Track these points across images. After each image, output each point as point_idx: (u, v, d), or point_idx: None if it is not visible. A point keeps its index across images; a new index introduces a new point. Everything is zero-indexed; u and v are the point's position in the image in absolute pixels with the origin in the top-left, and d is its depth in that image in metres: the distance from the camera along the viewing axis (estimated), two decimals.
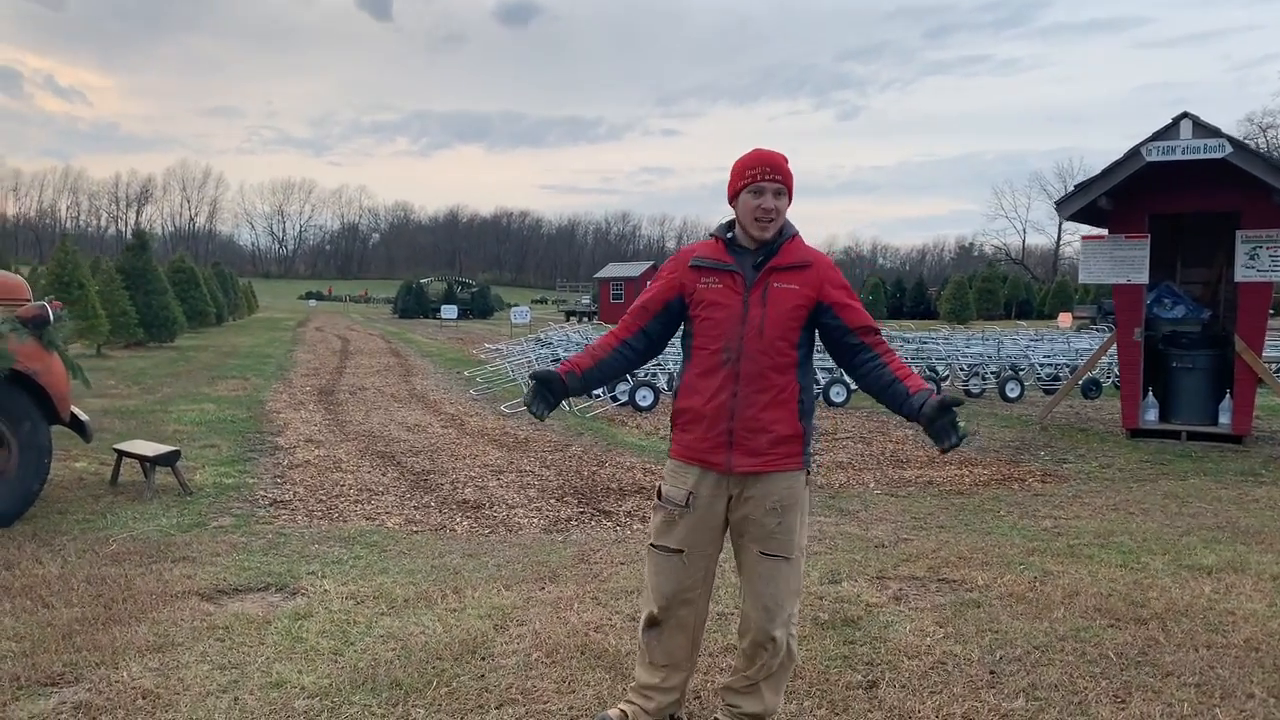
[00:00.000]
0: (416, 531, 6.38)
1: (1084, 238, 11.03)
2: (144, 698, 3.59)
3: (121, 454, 7.63)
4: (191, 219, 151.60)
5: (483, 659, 4.04)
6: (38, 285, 18.76)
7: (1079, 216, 10.42)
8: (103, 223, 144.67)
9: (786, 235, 3.17)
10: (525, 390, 3.36)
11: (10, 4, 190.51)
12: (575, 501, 7.28)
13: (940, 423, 2.91)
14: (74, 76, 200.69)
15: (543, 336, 22.75)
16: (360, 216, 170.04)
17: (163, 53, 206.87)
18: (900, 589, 5.08)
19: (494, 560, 5.63)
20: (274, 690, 3.69)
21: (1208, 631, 4.39)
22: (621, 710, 3.30)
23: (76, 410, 6.67)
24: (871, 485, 8.09)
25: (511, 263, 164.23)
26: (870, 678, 3.85)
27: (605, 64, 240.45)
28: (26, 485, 6.17)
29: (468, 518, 6.78)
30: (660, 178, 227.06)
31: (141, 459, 7.42)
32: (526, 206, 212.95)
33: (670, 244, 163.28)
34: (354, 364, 21.25)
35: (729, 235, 3.22)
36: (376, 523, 6.60)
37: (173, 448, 7.59)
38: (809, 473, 3.20)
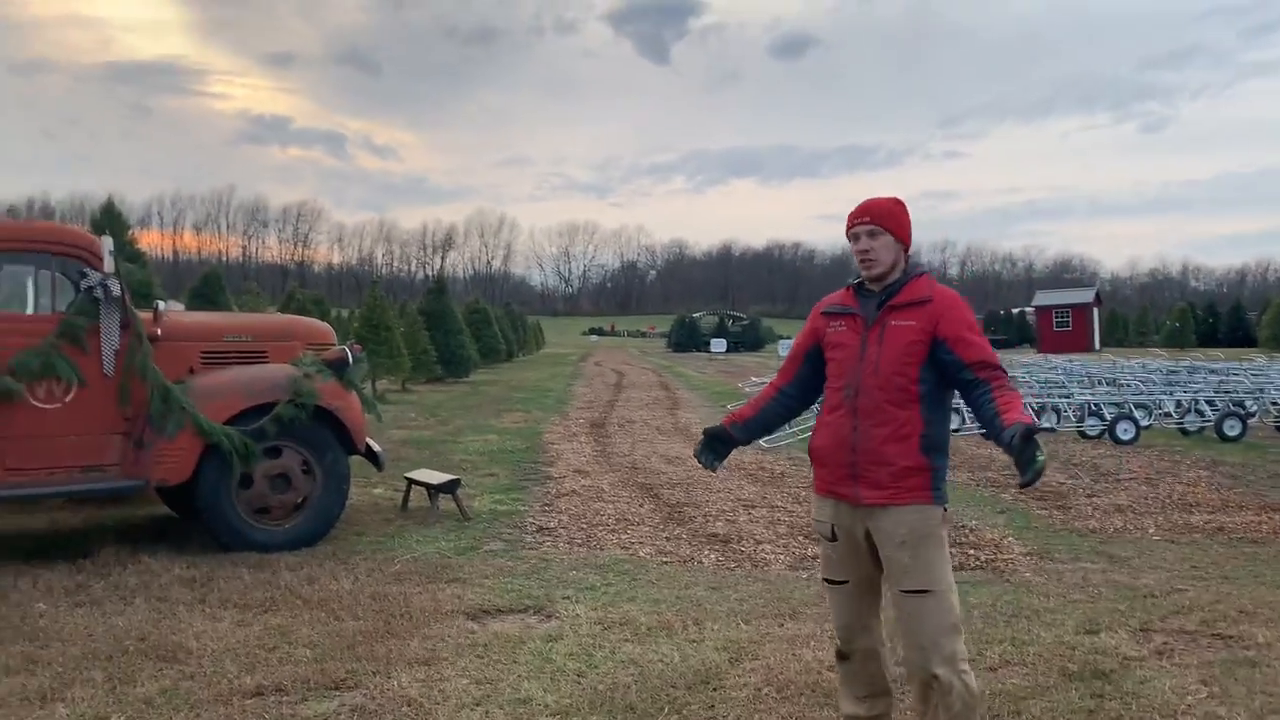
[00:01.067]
0: (666, 562, 6.62)
1: None
2: (408, 705, 4.00)
3: (411, 481, 8.42)
4: (489, 262, 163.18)
5: (714, 690, 4.17)
6: (350, 328, 21.00)
7: None
8: (412, 268, 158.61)
9: (910, 274, 3.21)
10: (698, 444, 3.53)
11: (337, 76, 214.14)
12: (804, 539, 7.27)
13: (1024, 455, 2.82)
14: (388, 135, 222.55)
15: None
16: (638, 255, 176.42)
17: (464, 110, 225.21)
18: (1165, 643, 4.72)
19: (736, 594, 5.74)
20: (520, 706, 3.99)
21: None
22: None
23: (371, 442, 7.45)
24: (1150, 531, 7.49)
25: (783, 294, 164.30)
26: None
27: (882, 90, 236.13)
28: (329, 509, 6.97)
29: (716, 551, 6.94)
30: (942, 202, 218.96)
31: (427, 486, 8.17)
32: (799, 238, 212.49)
33: (953, 270, 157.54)
34: (625, 397, 22.12)
35: (857, 282, 3.31)
36: (630, 552, 6.90)
37: (454, 477, 8.30)
38: (944, 508, 3.13)
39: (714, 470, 3.54)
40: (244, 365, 6.96)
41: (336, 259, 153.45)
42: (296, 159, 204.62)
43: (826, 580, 3.34)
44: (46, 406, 6.15)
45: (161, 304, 7.40)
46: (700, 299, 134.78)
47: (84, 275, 6.25)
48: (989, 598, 5.59)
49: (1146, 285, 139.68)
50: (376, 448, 7.51)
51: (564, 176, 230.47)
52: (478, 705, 4.00)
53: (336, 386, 6.97)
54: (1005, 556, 6.68)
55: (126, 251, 9.87)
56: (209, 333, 7.08)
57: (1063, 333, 51.95)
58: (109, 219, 10.24)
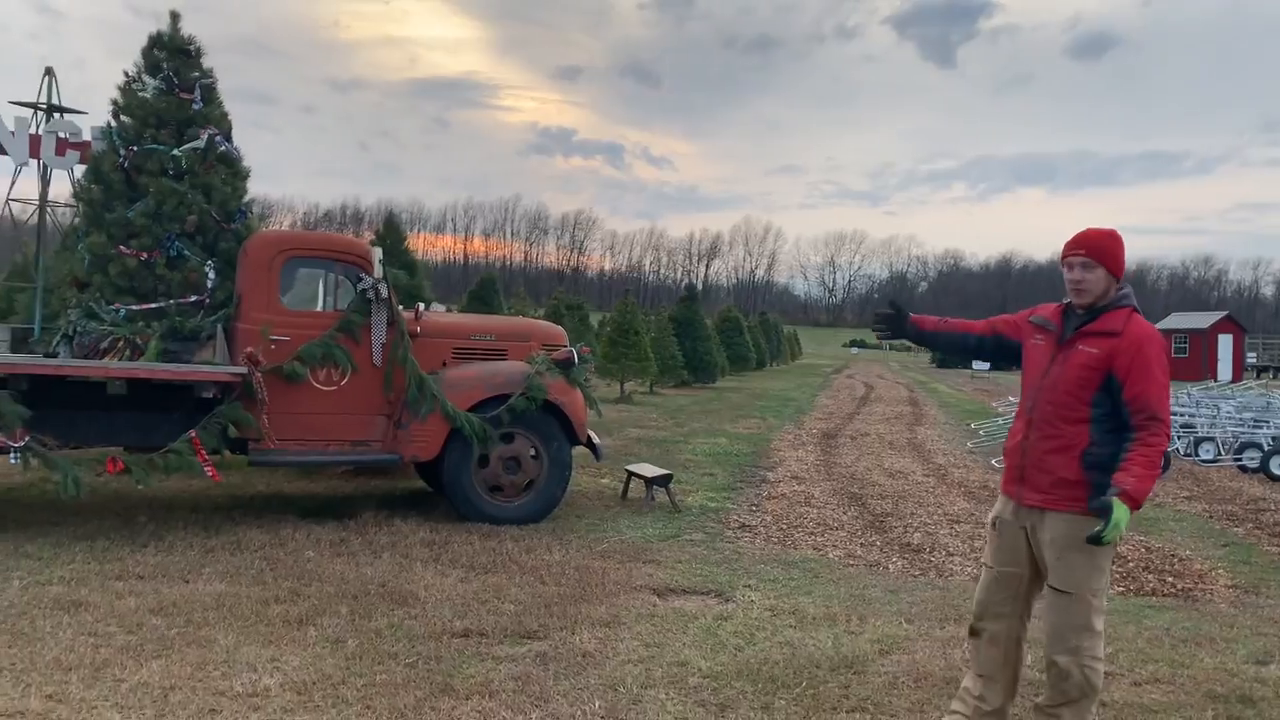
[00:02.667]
0: (851, 564, 6.95)
1: None
2: (583, 656, 4.65)
3: (630, 474, 9.17)
4: (752, 271, 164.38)
5: (855, 674, 4.54)
6: (603, 332, 22.30)
7: None
8: (678, 275, 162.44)
9: (1113, 304, 3.43)
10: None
11: (620, 88, 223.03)
12: None
13: (1101, 517, 3.16)
14: (665, 146, 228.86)
15: None
16: (909, 265, 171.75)
17: (738, 119, 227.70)
18: None
19: (909, 598, 6.01)
20: (677, 667, 4.54)
21: None
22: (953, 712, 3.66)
23: (593, 434, 8.24)
24: None
25: None
26: None
27: (1193, 91, 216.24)
28: (552, 491, 7.81)
29: (904, 559, 7.18)
30: (1258, 215, 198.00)
31: (643, 479, 8.88)
32: None
33: (1266, 289, 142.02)
34: (868, 411, 22.10)
35: (1069, 301, 3.55)
36: (821, 553, 7.28)
37: (667, 471, 8.98)
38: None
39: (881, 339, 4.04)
40: (486, 361, 7.94)
41: (608, 265, 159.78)
42: (578, 168, 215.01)
43: (983, 563, 3.71)
44: (326, 389, 7.35)
45: (425, 306, 8.55)
46: (974, 313, 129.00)
47: (359, 279, 7.42)
48: (1168, 622, 5.56)
49: None
50: (597, 440, 8.29)
51: (836, 184, 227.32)
52: (641, 662, 4.59)
53: (563, 383, 7.80)
54: (1206, 587, 6.51)
55: (402, 259, 11.34)
56: (460, 332, 8.11)
57: None
58: (389, 230, 11.75)
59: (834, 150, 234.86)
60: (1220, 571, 6.96)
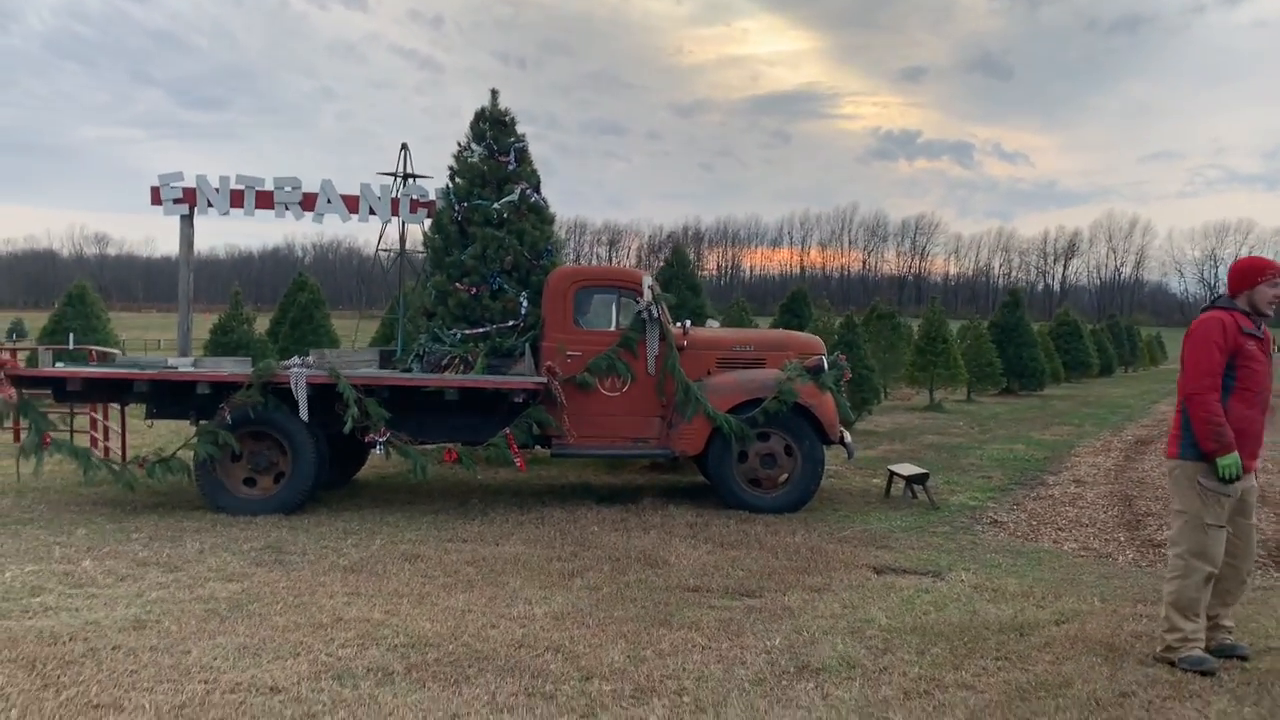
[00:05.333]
0: (1081, 556, 7.29)
1: None
2: (784, 610, 5.62)
3: (891, 473, 9.87)
4: (1117, 269, 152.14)
5: (1020, 635, 5.15)
6: (910, 339, 22.54)
7: None
8: (1030, 276, 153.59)
9: None
10: None
11: (967, 84, 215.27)
12: (1262, 552, 7.25)
13: None
14: (1018, 141, 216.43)
15: None
16: None
17: (1104, 106, 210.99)
18: None
19: (1119, 584, 6.37)
20: (862, 622, 5.39)
21: None
22: None
23: (845, 434, 9.08)
24: None
25: None
26: None
27: None
28: (806, 485, 8.75)
29: (1138, 552, 7.39)
30: None
31: (903, 477, 9.56)
32: None
33: None
34: None
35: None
36: (1057, 545, 7.66)
37: (924, 470, 9.59)
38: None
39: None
40: (746, 369, 9.04)
41: (953, 270, 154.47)
42: (922, 171, 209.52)
43: (1218, 526, 4.68)
44: (611, 394, 8.79)
45: (696, 321, 9.80)
46: None
47: (635, 303, 8.81)
48: None
49: None
50: (849, 439, 9.11)
51: (1222, 169, 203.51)
52: (832, 617, 5.49)
53: (813, 388, 8.73)
54: None
55: (689, 282, 12.72)
56: (722, 344, 9.28)
57: None
58: (678, 257, 13.23)
59: (1219, 131, 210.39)
60: None
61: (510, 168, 9.64)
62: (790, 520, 8.32)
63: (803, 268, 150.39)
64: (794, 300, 24.68)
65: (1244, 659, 4.66)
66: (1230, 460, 4.57)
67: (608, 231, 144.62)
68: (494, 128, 9.78)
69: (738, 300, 29.19)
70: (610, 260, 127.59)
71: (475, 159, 9.69)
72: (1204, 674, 4.47)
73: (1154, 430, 17.50)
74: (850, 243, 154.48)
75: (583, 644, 4.92)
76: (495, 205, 9.42)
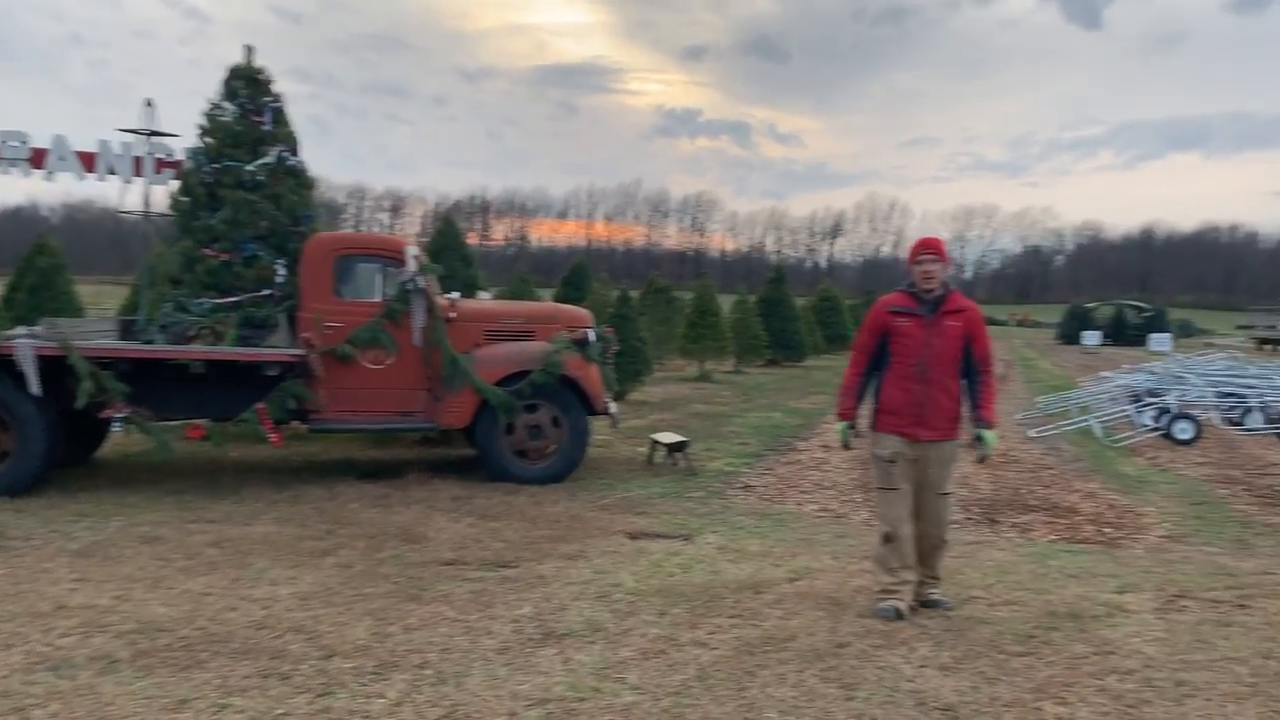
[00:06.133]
0: (819, 517, 7.81)
1: None
2: (538, 579, 5.71)
3: (654, 441, 10.18)
4: (877, 249, 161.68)
5: (756, 594, 5.47)
6: (682, 312, 23.24)
7: None
8: (801, 254, 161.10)
9: (949, 289, 5.12)
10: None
11: (746, 66, 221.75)
12: (977, 510, 8.03)
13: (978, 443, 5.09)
14: (792, 123, 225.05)
15: (1132, 372, 21.50)
16: (1044, 238, 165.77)
17: (869, 92, 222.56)
18: (1184, 606, 5.28)
19: (853, 542, 6.86)
20: (611, 586, 5.56)
21: None
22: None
23: (611, 405, 9.29)
24: None
25: (1217, 283, 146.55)
26: (1029, 649, 4.51)
27: None
28: (572, 455, 8.90)
29: (870, 511, 7.98)
30: None
31: (664, 445, 9.88)
32: (1239, 219, 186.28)
33: None
34: None
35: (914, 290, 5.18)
36: (800, 507, 8.16)
37: (684, 438, 9.95)
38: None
39: (849, 447, 5.56)
40: (514, 342, 9.06)
41: (730, 246, 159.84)
42: (703, 149, 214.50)
43: (887, 489, 5.10)
44: (374, 367, 8.60)
45: (468, 293, 9.72)
46: (1114, 287, 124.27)
47: (399, 273, 8.64)
48: (1069, 562, 6.27)
49: None
50: (614, 409, 9.32)
51: (973, 155, 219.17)
52: (583, 583, 5.63)
53: (580, 360, 8.86)
54: (1139, 537, 7.12)
55: (460, 252, 12.60)
56: (491, 317, 9.26)
57: None
58: (448, 227, 13.06)
59: (971, 121, 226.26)
60: (1165, 525, 7.54)
61: (266, 128, 9.19)
62: (555, 490, 8.44)
63: (589, 240, 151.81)
64: (575, 273, 24.89)
65: (948, 609, 5.12)
66: (839, 427, 5.38)
67: (390, 198, 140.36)
68: (249, 85, 9.28)
69: (520, 273, 29.12)
70: (392, 228, 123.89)
71: (228, 118, 9.18)
72: (889, 620, 4.92)
73: None
74: (635, 217, 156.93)
75: (326, 623, 4.84)
76: (249, 167, 8.97)
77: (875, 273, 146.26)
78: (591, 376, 8.93)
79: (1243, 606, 5.24)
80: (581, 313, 9.81)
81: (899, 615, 4.97)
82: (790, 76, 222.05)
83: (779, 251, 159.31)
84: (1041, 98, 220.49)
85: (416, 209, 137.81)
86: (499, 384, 8.63)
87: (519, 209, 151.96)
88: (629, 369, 15.96)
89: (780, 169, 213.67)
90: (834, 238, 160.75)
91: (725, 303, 26.15)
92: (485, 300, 10.44)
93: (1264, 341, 52.69)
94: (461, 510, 7.57)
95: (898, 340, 5.05)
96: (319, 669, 4.24)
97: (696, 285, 22.94)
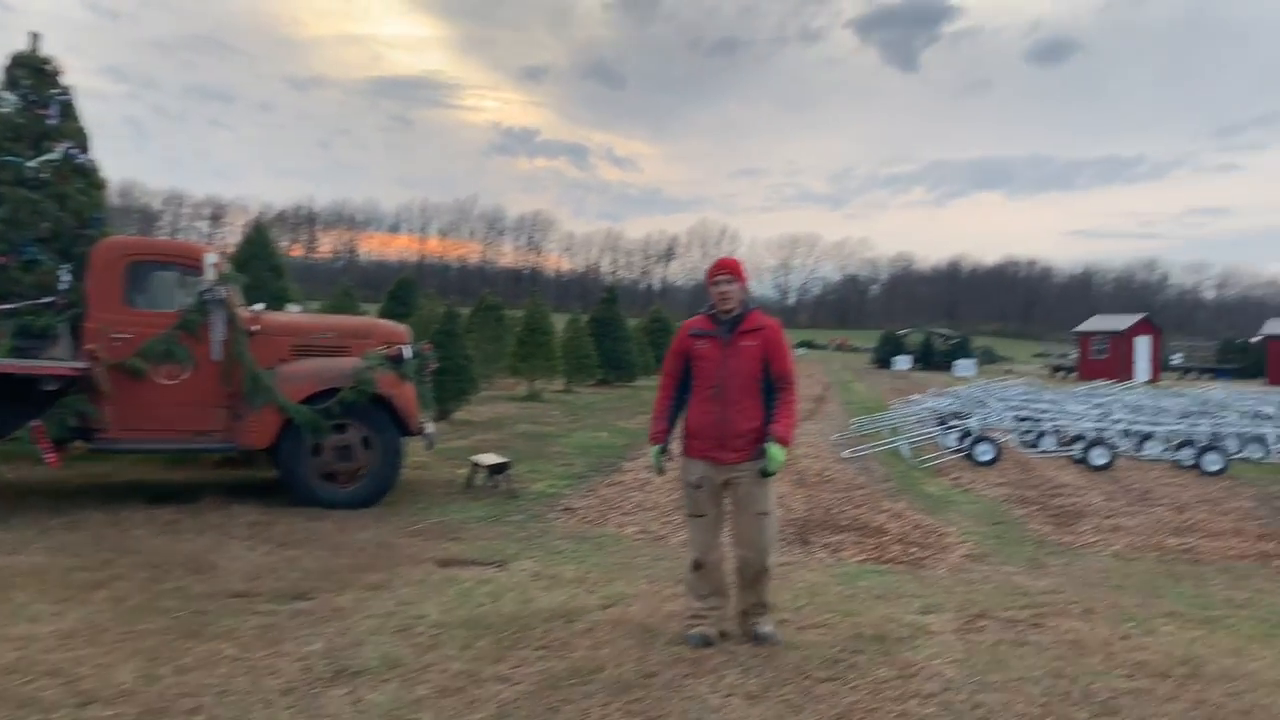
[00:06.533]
0: (639, 539, 7.72)
1: None
2: (334, 612, 5.36)
3: (474, 463, 9.89)
4: None
5: (567, 623, 5.28)
6: (513, 329, 22.97)
7: None
8: (635, 276, 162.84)
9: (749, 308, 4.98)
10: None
11: (583, 89, 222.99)
12: (790, 531, 8.12)
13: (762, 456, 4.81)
14: (629, 148, 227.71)
15: (939, 397, 22.60)
16: (860, 268, 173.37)
17: (703, 121, 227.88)
18: (982, 625, 5.42)
19: (668, 564, 6.78)
20: (413, 619, 5.26)
21: (1227, 695, 4.31)
22: None
23: (428, 425, 8.96)
24: (1116, 547, 7.88)
25: (1016, 313, 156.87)
26: (834, 674, 4.51)
27: (1150, 96, 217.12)
28: (384, 478, 8.51)
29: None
30: (1213, 219, 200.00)
31: (484, 467, 9.61)
32: (1037, 254, 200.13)
33: (1208, 294, 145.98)
34: None
35: (713, 312, 4.96)
36: (620, 529, 8.04)
37: (505, 460, 9.71)
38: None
39: (663, 472, 5.28)
40: (324, 357, 8.62)
41: (566, 266, 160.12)
42: (541, 169, 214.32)
43: (694, 515, 5.00)
44: (168, 383, 7.99)
45: (276, 306, 9.20)
46: (924, 316, 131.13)
47: (198, 282, 8.07)
48: (876, 583, 6.38)
49: None
50: (430, 429, 8.99)
51: (797, 187, 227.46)
52: (384, 616, 5.31)
53: (394, 378, 8.50)
54: (942, 556, 7.35)
55: (270, 262, 11.96)
56: (300, 331, 8.78)
57: None
58: (259, 235, 12.39)
59: (796, 153, 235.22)
60: (967, 544, 7.82)
61: (51, 122, 8.47)
62: (364, 515, 8.04)
63: (422, 256, 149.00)
64: (401, 288, 24.22)
65: (776, 644, 4.91)
66: (651, 452, 5.20)
67: (210, 205, 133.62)
68: (33, 75, 8.56)
69: (344, 286, 28.16)
70: (211, 237, 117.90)
71: (8, 109, 8.40)
72: (697, 647, 4.82)
73: None
74: (470, 234, 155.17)
75: (90, 664, 4.37)
76: (30, 164, 8.23)
77: (704, 296, 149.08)
78: (406, 395, 8.58)
79: (1036, 625, 5.42)
80: (398, 328, 9.44)
81: (707, 642, 4.89)
82: (628, 101, 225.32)
83: (614, 273, 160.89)
84: (861, 134, 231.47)
85: (238, 218, 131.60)
86: (305, 402, 8.18)
87: (348, 221, 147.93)
88: (454, 387, 15.60)
89: (617, 192, 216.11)
90: (667, 261, 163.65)
91: (560, 321, 26.05)
92: (294, 313, 9.90)
93: (1057, 369, 56.50)
94: (259, 537, 7.09)
95: (697, 363, 4.99)
96: (73, 718, 3.80)
97: (528, 303, 22.71)
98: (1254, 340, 57.39)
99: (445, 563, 6.64)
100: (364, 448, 8.44)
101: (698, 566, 5.00)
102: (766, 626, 5.02)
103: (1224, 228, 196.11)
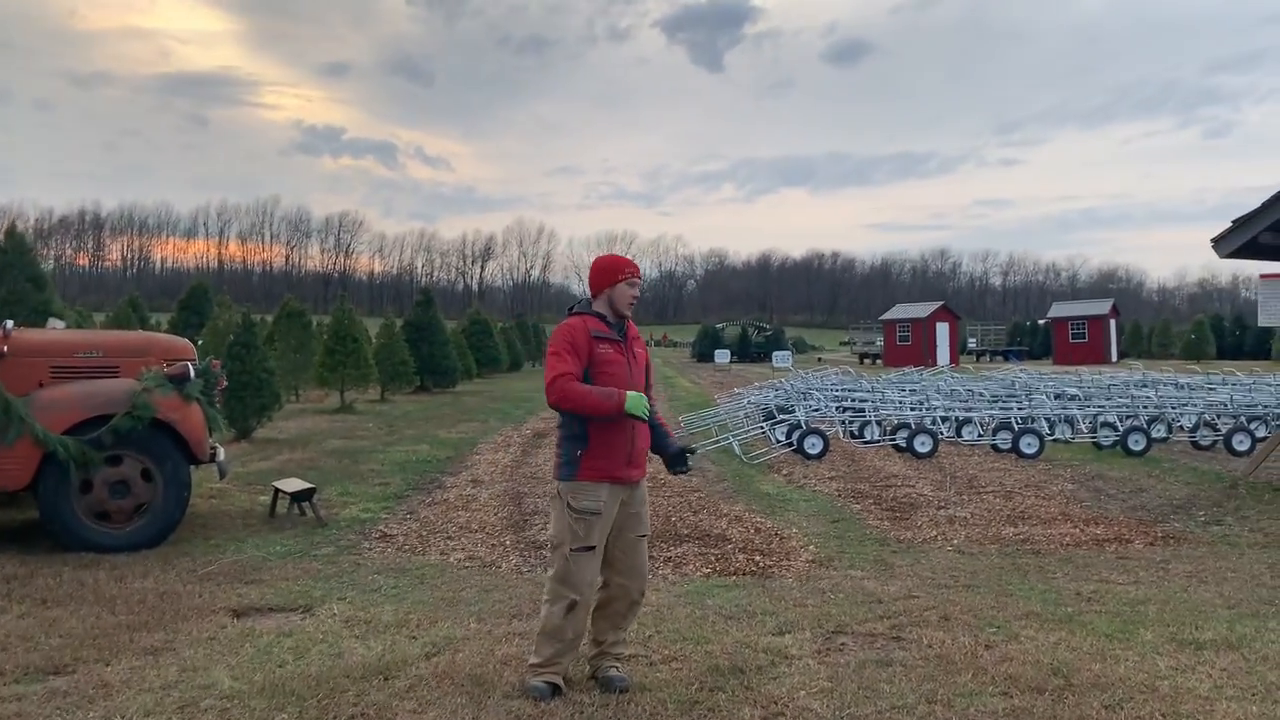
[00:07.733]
0: (466, 567, 7.04)
1: (1262, 276, 9.84)
2: (102, 689, 4.45)
3: (276, 490, 8.93)
4: (527, 272, 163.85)
5: (384, 679, 4.58)
6: (321, 336, 21.62)
7: (1243, 253, 9.33)
8: (452, 277, 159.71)
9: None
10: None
11: (389, 86, 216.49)
12: None
13: (680, 461, 4.59)
14: (440, 146, 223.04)
15: (758, 389, 22.83)
16: (677, 264, 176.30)
17: (516, 119, 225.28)
18: (843, 643, 5.06)
19: (499, 597, 6.14)
20: (200, 690, 4.43)
21: (1104, 707, 4.07)
22: None
23: (220, 450, 7.97)
24: (957, 541, 7.79)
25: (823, 304, 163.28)
26: (694, 718, 4.01)
27: (938, 96, 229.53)
28: (169, 514, 7.48)
29: (522, 556, 7.34)
30: (996, 210, 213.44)
31: (287, 494, 8.67)
32: (840, 247, 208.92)
33: (994, 280, 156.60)
34: None
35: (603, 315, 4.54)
36: (445, 557, 7.34)
37: (310, 486, 8.81)
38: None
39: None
40: (92, 380, 7.50)
41: (378, 268, 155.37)
42: (348, 168, 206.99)
43: (590, 548, 4.34)
44: None
45: (37, 321, 7.98)
46: (739, 309, 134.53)
47: None
48: (725, 601, 5.96)
49: (1196, 295, 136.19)
50: (221, 457, 8.01)
51: (613, 185, 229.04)
52: (163, 689, 4.45)
53: (177, 399, 7.48)
54: (788, 564, 7.02)
55: (28, 272, 10.52)
56: (60, 349, 7.62)
57: (1079, 344, 51.53)
58: (11, 240, 10.87)
59: (611, 151, 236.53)
60: (810, 547, 7.54)
61: None
62: (146, 559, 7.02)
63: (221, 261, 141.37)
64: (193, 296, 22.42)
65: (623, 689, 4.38)
66: (632, 397, 4.29)
67: None
68: None
69: (131, 297, 25.97)
70: None
71: None
72: (542, 699, 4.24)
73: (552, 422, 18.56)
74: (273, 237, 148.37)
75: None
76: None
77: (524, 296, 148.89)
78: (191, 419, 7.58)
79: (898, 639, 5.10)
80: (180, 342, 8.38)
81: (556, 691, 4.31)
82: (437, 99, 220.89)
83: (430, 274, 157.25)
84: (673, 133, 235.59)
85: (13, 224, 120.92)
86: (69, 432, 7.08)
87: (138, 227, 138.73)
88: (254, 402, 14.40)
89: (429, 191, 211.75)
90: (484, 261, 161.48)
91: (373, 326, 24.79)
92: (55, 329, 8.66)
93: (864, 356, 58.85)
94: (15, 595, 6.02)
95: (603, 369, 4.36)
96: None
97: (335, 309, 21.38)
98: (1041, 322, 61.54)
99: (241, 612, 5.79)
100: (144, 481, 7.39)
101: (572, 609, 4.35)
102: (616, 668, 4.49)
103: (1007, 218, 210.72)
